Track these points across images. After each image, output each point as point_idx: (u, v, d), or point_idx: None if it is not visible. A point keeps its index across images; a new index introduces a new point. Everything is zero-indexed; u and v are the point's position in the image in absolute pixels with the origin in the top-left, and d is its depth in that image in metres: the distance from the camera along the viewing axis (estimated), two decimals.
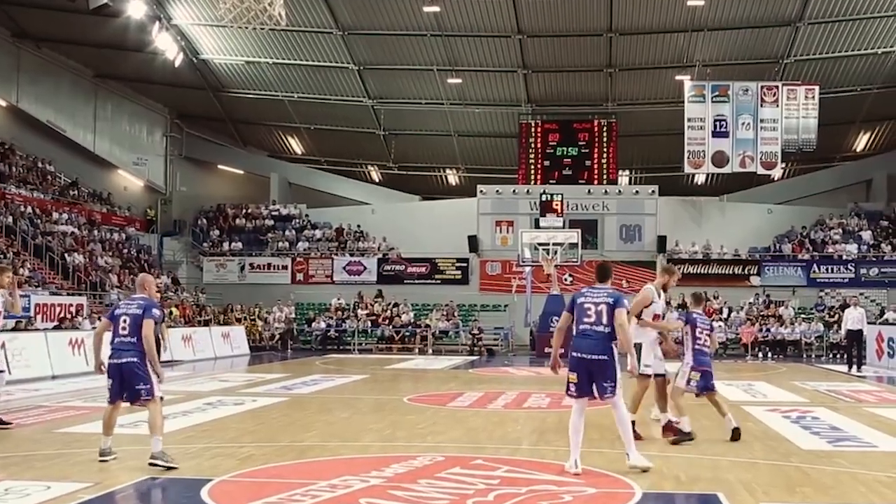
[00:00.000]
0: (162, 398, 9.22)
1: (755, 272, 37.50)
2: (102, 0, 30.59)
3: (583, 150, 39.51)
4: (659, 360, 11.42)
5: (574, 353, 8.57)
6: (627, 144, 39.66)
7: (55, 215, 33.67)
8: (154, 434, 8.83)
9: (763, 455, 10.10)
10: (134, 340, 8.96)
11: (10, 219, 30.60)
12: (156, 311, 9.20)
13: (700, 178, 41.46)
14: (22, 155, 36.21)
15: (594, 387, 8.54)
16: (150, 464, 8.64)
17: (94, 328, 24.52)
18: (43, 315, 25.43)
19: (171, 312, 28.93)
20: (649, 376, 11.17)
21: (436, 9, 34.04)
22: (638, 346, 10.70)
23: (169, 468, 8.60)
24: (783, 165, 38.81)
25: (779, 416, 13.62)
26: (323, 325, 35.89)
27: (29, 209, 32.47)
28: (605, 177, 39.33)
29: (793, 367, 27.22)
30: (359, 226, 41.10)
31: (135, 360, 8.94)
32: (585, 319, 8.62)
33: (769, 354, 32.14)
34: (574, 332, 8.70)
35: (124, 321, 9.06)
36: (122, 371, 8.99)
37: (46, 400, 15.47)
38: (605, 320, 8.54)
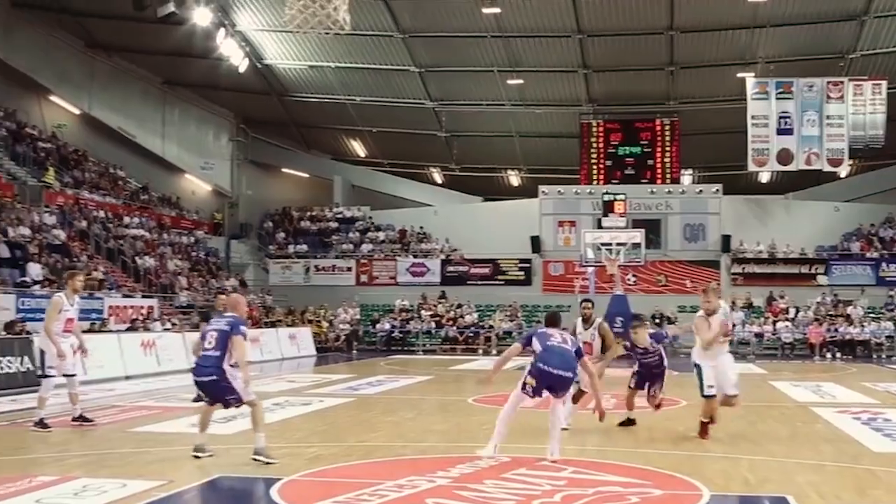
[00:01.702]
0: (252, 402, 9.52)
1: (822, 271, 36.91)
2: (170, 9, 31.27)
3: (645, 150, 39.26)
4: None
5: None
6: (690, 143, 39.29)
7: (126, 219, 34.46)
8: (256, 431, 9.29)
9: (832, 457, 10.02)
10: (217, 355, 9.29)
11: (85, 223, 31.40)
12: (244, 328, 9.50)
13: (764, 177, 40.88)
14: (94, 161, 37.17)
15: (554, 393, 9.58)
16: (253, 458, 9.08)
17: (165, 330, 25.21)
18: (116, 317, 26.05)
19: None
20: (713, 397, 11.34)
21: (496, 10, 34.08)
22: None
23: (268, 463, 9.00)
24: (850, 162, 38.14)
25: (848, 418, 13.46)
26: (387, 326, 36.19)
27: (101, 214, 33.26)
28: (667, 176, 39.05)
29: (862, 367, 26.77)
30: (422, 227, 41.34)
31: (215, 377, 9.31)
32: (551, 340, 9.62)
33: (838, 355, 31.63)
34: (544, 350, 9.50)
35: (211, 336, 9.42)
36: (207, 388, 9.52)
37: (120, 400, 15.89)
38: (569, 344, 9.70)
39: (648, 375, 12.50)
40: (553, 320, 10.21)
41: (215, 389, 9.37)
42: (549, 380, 9.33)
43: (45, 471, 8.76)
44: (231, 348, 9.29)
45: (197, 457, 9.31)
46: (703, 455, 10.02)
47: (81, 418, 12.21)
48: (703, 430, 11.21)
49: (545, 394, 9.53)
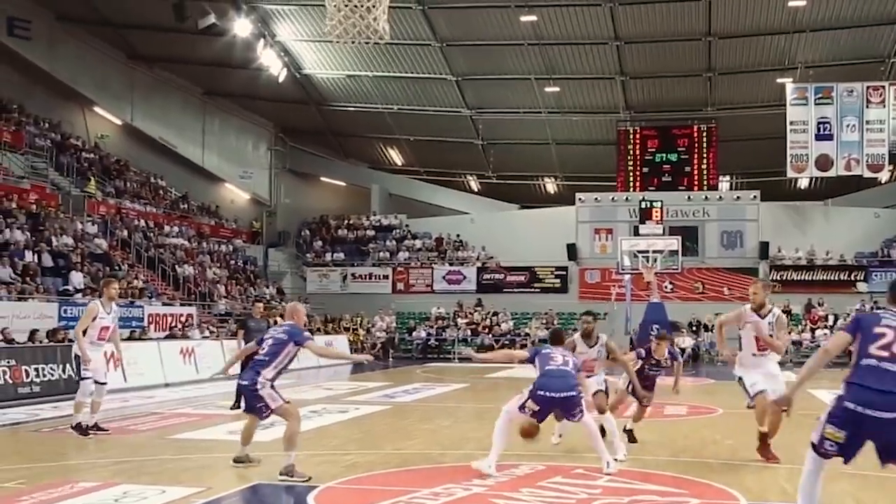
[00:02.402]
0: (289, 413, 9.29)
1: (862, 278, 36.47)
2: (210, 20, 31.72)
3: (682, 157, 39.09)
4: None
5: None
6: (728, 149, 39.05)
7: (167, 228, 34.90)
8: (286, 450, 8.92)
9: (870, 466, 9.91)
10: (265, 360, 9.22)
11: (126, 232, 31.84)
12: (306, 335, 9.55)
13: (803, 183, 40.52)
14: (136, 171, 37.73)
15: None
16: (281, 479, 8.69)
17: (204, 337, 25.48)
18: (155, 325, 26.37)
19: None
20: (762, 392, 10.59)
21: (533, 18, 34.13)
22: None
23: (304, 481, 8.60)
24: (891, 168, 37.71)
25: None
26: (423, 334, 36.29)
27: (142, 223, 33.74)
28: (705, 183, 38.84)
29: None
30: (458, 235, 41.43)
31: (247, 382, 9.21)
32: (552, 362, 9.57)
33: None
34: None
35: (267, 342, 9.41)
36: (242, 391, 9.56)
37: (159, 407, 16.06)
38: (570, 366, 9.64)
39: (644, 386, 11.90)
40: (557, 338, 10.26)
41: (247, 395, 9.34)
42: (552, 405, 9.27)
43: (86, 477, 8.91)
44: (283, 358, 9.25)
45: (236, 466, 9.36)
46: (740, 464, 9.99)
47: (97, 427, 12.20)
48: (764, 445, 10.14)
49: (548, 416, 9.49)
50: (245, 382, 9.28)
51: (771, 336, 10.20)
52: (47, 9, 34.54)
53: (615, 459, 9.39)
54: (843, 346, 5.81)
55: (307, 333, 9.60)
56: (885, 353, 5.55)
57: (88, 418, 12.25)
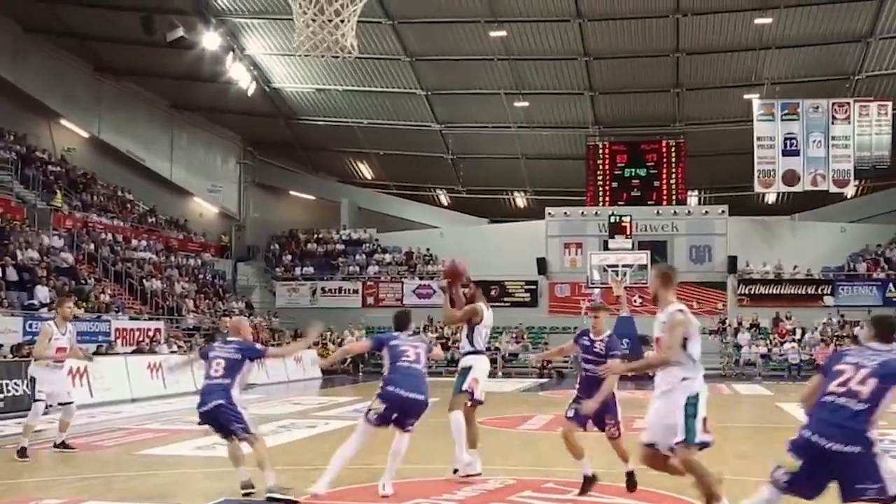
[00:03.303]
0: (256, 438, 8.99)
1: (829, 292, 36.85)
2: (179, 33, 31.60)
3: (651, 171, 39.34)
4: None
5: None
6: (696, 164, 39.36)
7: (134, 242, 34.62)
8: (264, 469, 8.60)
9: None
10: (226, 383, 8.78)
11: (92, 246, 31.53)
12: (258, 348, 9.38)
13: (770, 198, 40.97)
14: (103, 184, 37.40)
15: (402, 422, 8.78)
16: (268, 498, 8.39)
17: (171, 352, 25.21)
18: (122, 340, 26.11)
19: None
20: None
21: (502, 33, 34.31)
22: None
23: (288, 501, 8.36)
24: (856, 183, 38.23)
25: None
26: None
27: (110, 236, 33.42)
28: (673, 197, 39.09)
29: None
30: (428, 249, 41.42)
31: (222, 401, 8.72)
32: (404, 358, 8.84)
33: None
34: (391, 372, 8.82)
35: (217, 364, 8.90)
36: (213, 416, 8.86)
37: (126, 423, 15.92)
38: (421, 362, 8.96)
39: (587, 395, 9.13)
40: (401, 322, 9.23)
41: (220, 416, 8.77)
42: (399, 404, 8.58)
43: (51, 494, 8.79)
44: (241, 377, 8.87)
45: (247, 495, 8.65)
46: None
47: (63, 445, 11.99)
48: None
49: (393, 422, 8.73)
50: (216, 403, 8.76)
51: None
52: (13, 20, 34.20)
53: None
54: (818, 387, 6.02)
55: (259, 346, 9.40)
56: (841, 389, 5.79)
57: (57, 436, 12.12)
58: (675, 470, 7.35)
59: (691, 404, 7.04)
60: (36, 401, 11.89)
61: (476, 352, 9.90)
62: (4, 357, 19.65)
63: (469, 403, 9.69)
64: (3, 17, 33.73)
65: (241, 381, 8.93)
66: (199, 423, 9.06)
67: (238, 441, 8.91)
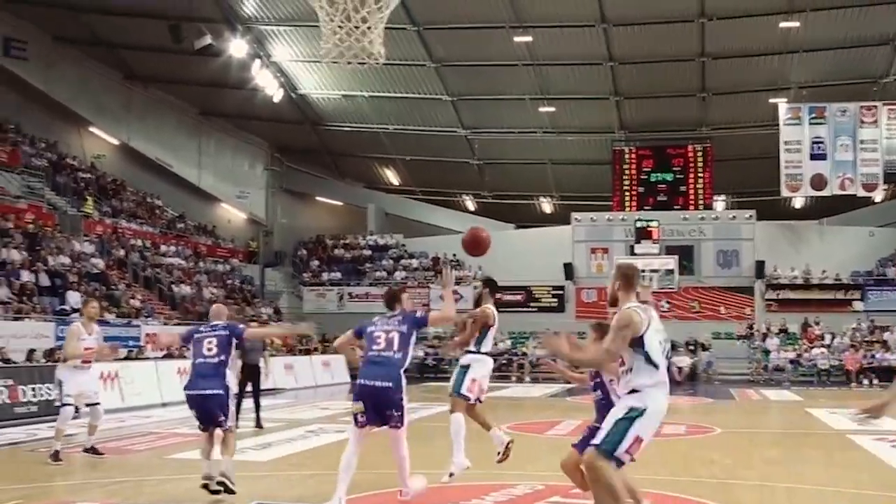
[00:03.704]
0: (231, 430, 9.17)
1: (858, 297, 36.50)
2: (206, 41, 31.86)
3: (677, 176, 39.18)
4: None
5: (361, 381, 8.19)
6: (723, 169, 39.17)
7: (163, 248, 34.92)
8: (225, 456, 8.85)
9: (870, 485, 9.95)
10: (221, 360, 9.00)
11: (123, 252, 31.87)
12: (240, 326, 9.48)
13: (798, 202, 40.71)
14: (132, 191, 37.80)
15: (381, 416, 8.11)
16: (219, 483, 8.69)
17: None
18: (152, 345, 26.33)
19: (273, 342, 29.59)
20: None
21: (527, 38, 34.34)
22: None
23: (232, 491, 8.65)
24: (885, 187, 37.89)
25: (887, 446, 13.34)
26: (421, 353, 36.24)
27: (139, 242, 33.76)
28: (700, 202, 38.91)
29: None
30: (454, 255, 41.41)
31: (219, 391, 8.91)
32: (374, 347, 8.25)
33: (875, 381, 31.26)
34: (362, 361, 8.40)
35: (209, 342, 9.08)
36: (203, 404, 8.99)
37: (157, 427, 16.06)
38: (395, 347, 8.20)
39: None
40: (387, 301, 8.69)
41: (212, 405, 8.91)
42: (366, 395, 8.03)
43: (82, 497, 8.93)
44: (232, 359, 9.11)
45: (206, 486, 8.86)
46: (739, 483, 10.00)
47: (93, 449, 12.10)
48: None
49: (376, 419, 8.14)
50: (217, 391, 8.90)
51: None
52: (44, 29, 34.64)
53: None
54: None
55: (240, 325, 9.51)
56: None
57: (86, 440, 12.23)
58: (585, 485, 6.73)
59: (628, 417, 6.13)
60: (64, 405, 12.00)
61: (478, 353, 9.63)
62: (37, 362, 19.88)
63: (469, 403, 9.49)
64: (34, 28, 34.18)
65: (232, 361, 9.11)
66: (189, 407, 9.11)
67: (213, 432, 9.06)
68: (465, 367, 9.53)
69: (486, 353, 9.66)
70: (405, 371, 8.19)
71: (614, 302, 6.56)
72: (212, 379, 8.92)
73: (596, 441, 6.16)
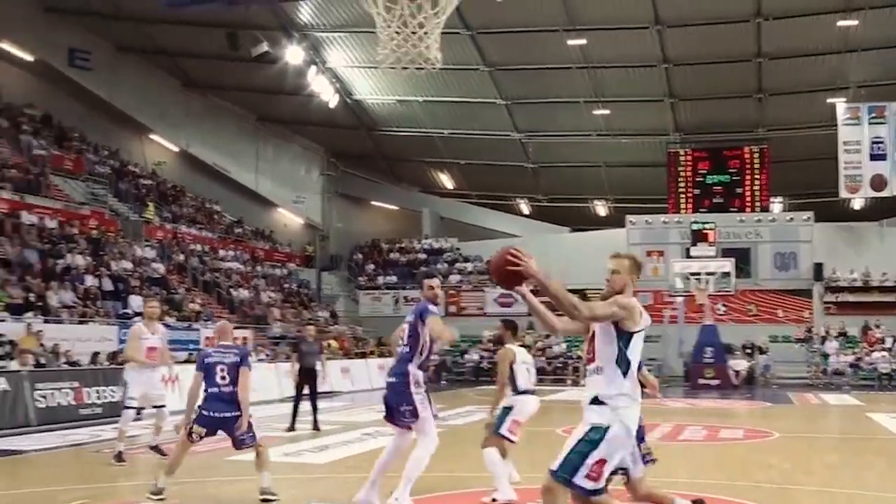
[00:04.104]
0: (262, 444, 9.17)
1: None
2: (263, 48, 32.33)
3: (734, 178, 38.88)
4: None
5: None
6: (780, 170, 38.74)
7: (222, 252, 35.48)
8: (264, 471, 8.95)
9: None
10: (234, 390, 8.89)
11: (182, 257, 32.46)
12: (250, 360, 9.31)
13: (858, 203, 40.09)
14: (191, 196, 38.47)
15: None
16: (263, 499, 8.75)
17: (259, 360, 25.78)
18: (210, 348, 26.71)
19: (329, 345, 29.91)
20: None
21: (581, 41, 34.27)
22: None
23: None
24: None
25: None
26: (476, 357, 36.37)
27: (198, 247, 34.34)
28: (757, 204, 38.55)
29: None
30: None
31: (238, 413, 8.86)
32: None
33: None
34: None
35: (222, 371, 8.95)
36: (219, 424, 8.96)
37: None
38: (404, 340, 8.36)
39: None
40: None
41: (229, 429, 8.91)
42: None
43: (144, 498, 9.14)
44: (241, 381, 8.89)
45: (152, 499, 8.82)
46: (798, 489, 9.95)
47: (157, 449, 12.18)
48: None
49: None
50: (230, 415, 8.87)
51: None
52: (107, 39, 35.41)
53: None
54: None
55: (251, 360, 9.47)
56: None
57: (152, 439, 12.48)
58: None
59: (590, 440, 5.52)
60: (127, 407, 12.13)
61: (519, 391, 9.45)
62: (101, 364, 20.34)
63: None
64: (98, 38, 34.95)
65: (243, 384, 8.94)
66: (198, 425, 8.99)
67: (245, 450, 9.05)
68: (509, 409, 9.40)
69: (526, 392, 9.49)
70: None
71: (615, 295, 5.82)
72: (229, 403, 8.88)
73: (553, 466, 5.53)
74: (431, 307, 8.33)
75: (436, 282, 8.51)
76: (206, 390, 8.99)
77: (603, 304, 5.67)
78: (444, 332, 8.40)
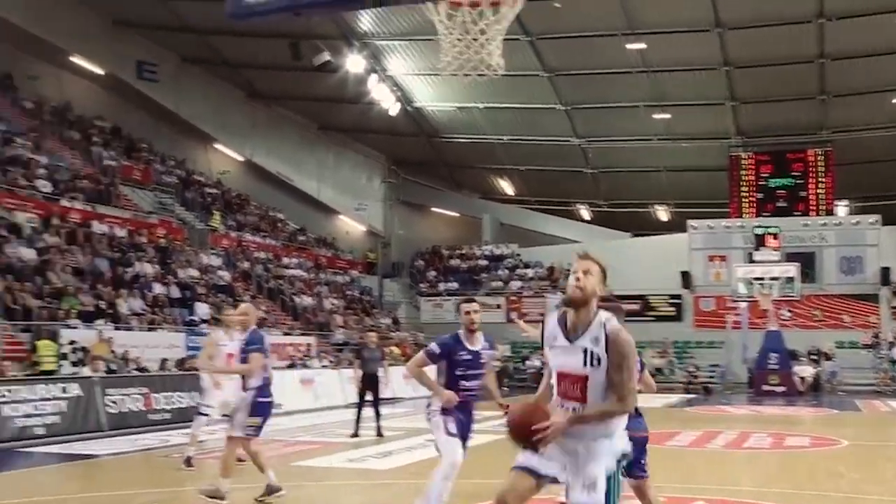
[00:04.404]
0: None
1: None
2: (325, 58, 32.72)
3: (797, 181, 38.39)
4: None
5: None
6: (845, 173, 38.12)
7: (285, 260, 35.97)
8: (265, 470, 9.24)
9: None
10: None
11: (247, 264, 32.98)
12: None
13: None
14: (256, 205, 39.09)
15: None
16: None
17: (322, 366, 26.12)
18: (276, 355, 27.11)
19: (391, 351, 30.12)
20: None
21: (641, 45, 34.09)
22: None
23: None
24: None
25: None
26: (537, 363, 36.31)
27: (262, 255, 34.87)
28: (822, 207, 38.01)
29: None
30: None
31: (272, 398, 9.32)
32: None
33: None
34: None
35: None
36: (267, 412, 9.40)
37: (281, 435, 16.53)
38: None
39: None
40: None
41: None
42: None
43: (213, 503, 9.37)
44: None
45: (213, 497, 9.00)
46: (867, 498, 9.86)
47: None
48: None
49: None
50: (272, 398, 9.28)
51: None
52: (173, 51, 36.17)
53: None
54: None
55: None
56: None
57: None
58: None
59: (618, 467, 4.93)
60: (199, 414, 12.36)
61: None
62: (169, 370, 20.79)
63: None
64: (164, 50, 35.72)
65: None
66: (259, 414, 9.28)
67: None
68: None
69: None
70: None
71: (585, 302, 4.95)
72: (268, 388, 9.46)
73: None
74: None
75: (473, 307, 7.99)
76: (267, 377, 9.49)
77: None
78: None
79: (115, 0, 32.42)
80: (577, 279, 4.90)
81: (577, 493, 4.68)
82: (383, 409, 17.10)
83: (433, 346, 7.86)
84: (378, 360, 17.05)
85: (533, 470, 4.76)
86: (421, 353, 8.03)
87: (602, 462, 4.73)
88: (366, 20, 34.50)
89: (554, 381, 4.92)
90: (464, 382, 7.85)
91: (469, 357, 7.80)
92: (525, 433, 4.67)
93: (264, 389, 9.39)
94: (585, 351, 4.74)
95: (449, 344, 7.84)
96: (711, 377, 34.33)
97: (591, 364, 4.70)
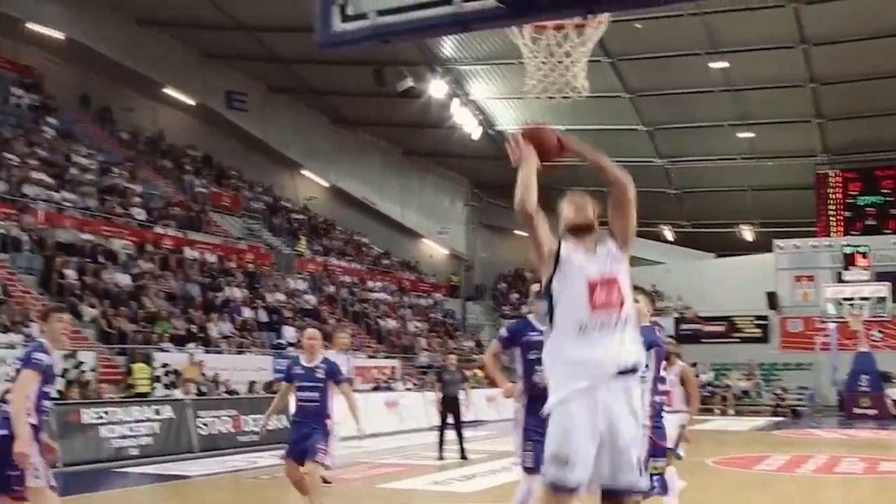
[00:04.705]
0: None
1: None
2: (408, 83, 33.23)
3: (887, 199, 37.50)
4: None
5: None
6: None
7: (370, 283, 36.48)
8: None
9: None
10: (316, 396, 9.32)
11: (333, 288, 33.57)
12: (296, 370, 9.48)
13: None
14: (341, 229, 39.77)
15: None
16: None
17: (407, 389, 26.41)
18: (361, 377, 27.54)
19: (475, 374, 30.28)
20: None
21: (724, 64, 33.77)
22: None
23: None
24: None
25: None
26: None
27: (348, 279, 35.44)
28: None
29: None
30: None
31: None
32: None
33: None
34: None
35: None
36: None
37: (366, 457, 16.79)
38: None
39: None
40: None
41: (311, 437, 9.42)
42: None
43: None
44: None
45: None
46: None
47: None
48: None
49: None
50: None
51: None
52: (261, 81, 37.16)
53: None
54: None
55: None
56: None
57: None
58: None
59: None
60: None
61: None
62: (257, 393, 21.28)
63: None
64: (251, 80, 36.74)
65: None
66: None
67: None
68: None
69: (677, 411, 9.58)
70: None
71: (592, 228, 5.27)
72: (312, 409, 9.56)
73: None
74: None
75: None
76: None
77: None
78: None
79: (204, 34, 33.53)
80: (581, 209, 5.23)
81: (627, 474, 4.67)
82: (466, 432, 17.20)
83: (502, 331, 7.74)
84: (458, 383, 17.21)
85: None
86: (494, 341, 7.87)
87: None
88: (448, 46, 34.92)
89: (585, 299, 4.91)
90: (538, 368, 6.65)
91: (541, 338, 6.54)
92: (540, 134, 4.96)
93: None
94: (607, 254, 5.03)
95: (518, 327, 7.61)
96: (800, 400, 33.71)
97: (616, 263, 5.02)
